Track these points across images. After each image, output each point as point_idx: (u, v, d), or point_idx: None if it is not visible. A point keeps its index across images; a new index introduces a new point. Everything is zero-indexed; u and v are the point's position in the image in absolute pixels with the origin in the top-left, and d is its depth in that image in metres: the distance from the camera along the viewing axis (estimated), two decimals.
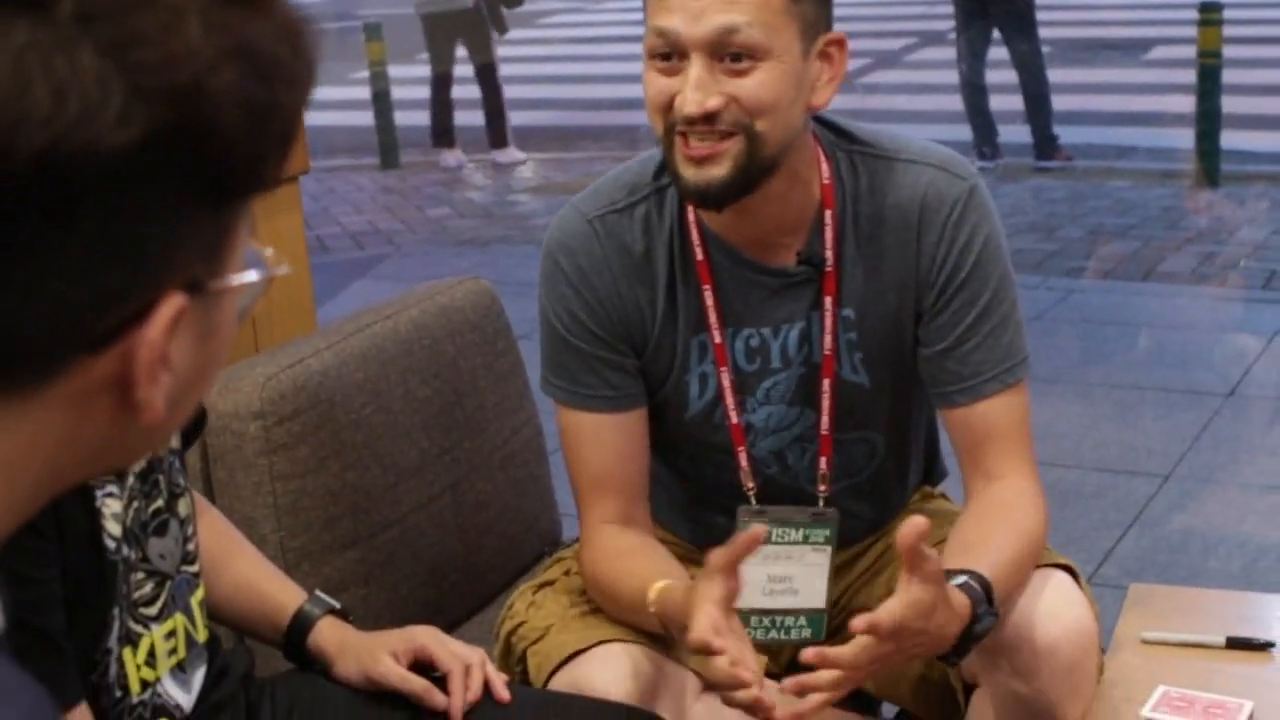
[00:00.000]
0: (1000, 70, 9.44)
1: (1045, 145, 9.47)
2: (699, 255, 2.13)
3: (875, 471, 2.29)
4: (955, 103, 9.64)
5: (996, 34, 9.33)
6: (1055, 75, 9.66)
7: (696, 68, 1.95)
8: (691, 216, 2.13)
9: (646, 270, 2.14)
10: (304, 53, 0.84)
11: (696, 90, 1.94)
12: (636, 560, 2.12)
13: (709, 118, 1.96)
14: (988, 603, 1.92)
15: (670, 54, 1.97)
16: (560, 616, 2.16)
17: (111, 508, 1.62)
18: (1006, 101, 9.59)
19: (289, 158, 0.85)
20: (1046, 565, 2.10)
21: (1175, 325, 6.47)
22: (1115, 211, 8.40)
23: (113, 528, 1.62)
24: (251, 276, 0.87)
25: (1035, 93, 9.35)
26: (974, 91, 9.39)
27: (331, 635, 2.00)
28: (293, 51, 0.83)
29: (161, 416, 0.82)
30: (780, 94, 1.97)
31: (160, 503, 1.73)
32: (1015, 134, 9.59)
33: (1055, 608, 2.04)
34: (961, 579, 1.92)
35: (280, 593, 2.04)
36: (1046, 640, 2.01)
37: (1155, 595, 2.38)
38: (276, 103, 0.81)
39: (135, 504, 1.67)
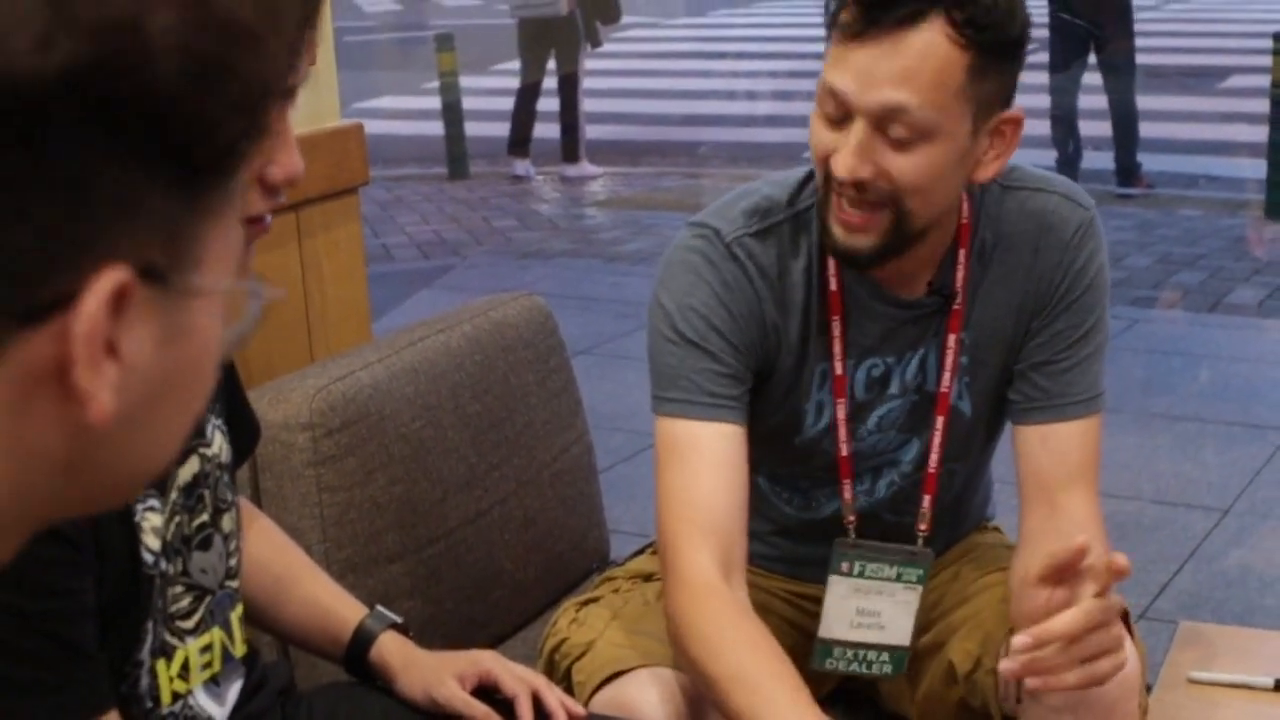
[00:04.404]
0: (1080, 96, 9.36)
1: (1129, 172, 9.40)
2: (833, 285, 2.12)
3: (949, 502, 2.30)
4: (1029, 128, 9.57)
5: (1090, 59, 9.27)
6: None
7: (858, 133, 1.92)
8: None
9: (782, 295, 2.12)
10: (278, 24, 0.78)
11: (852, 156, 1.92)
12: (776, 684, 1.94)
13: (859, 185, 1.95)
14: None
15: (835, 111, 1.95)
16: (601, 633, 2.16)
17: (151, 521, 1.62)
18: (1083, 128, 9.50)
19: (257, 139, 0.78)
20: None
21: (1240, 358, 6.41)
22: (1184, 241, 8.33)
23: (151, 541, 1.63)
24: (231, 287, 0.80)
25: (1126, 119, 9.29)
26: (1067, 116, 9.32)
27: (395, 650, 2.00)
28: (259, 18, 0.76)
29: (110, 413, 0.74)
30: (937, 174, 1.95)
31: (205, 517, 1.74)
32: (1088, 160, 9.51)
33: None
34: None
35: (341, 607, 2.05)
36: None
37: (1205, 634, 2.36)
38: (232, 67, 0.75)
39: (178, 518, 1.68)
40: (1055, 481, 2.13)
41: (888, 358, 2.16)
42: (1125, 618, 2.11)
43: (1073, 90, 9.29)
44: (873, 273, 2.10)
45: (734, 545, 2.05)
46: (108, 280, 0.72)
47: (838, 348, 2.13)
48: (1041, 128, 9.43)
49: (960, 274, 2.13)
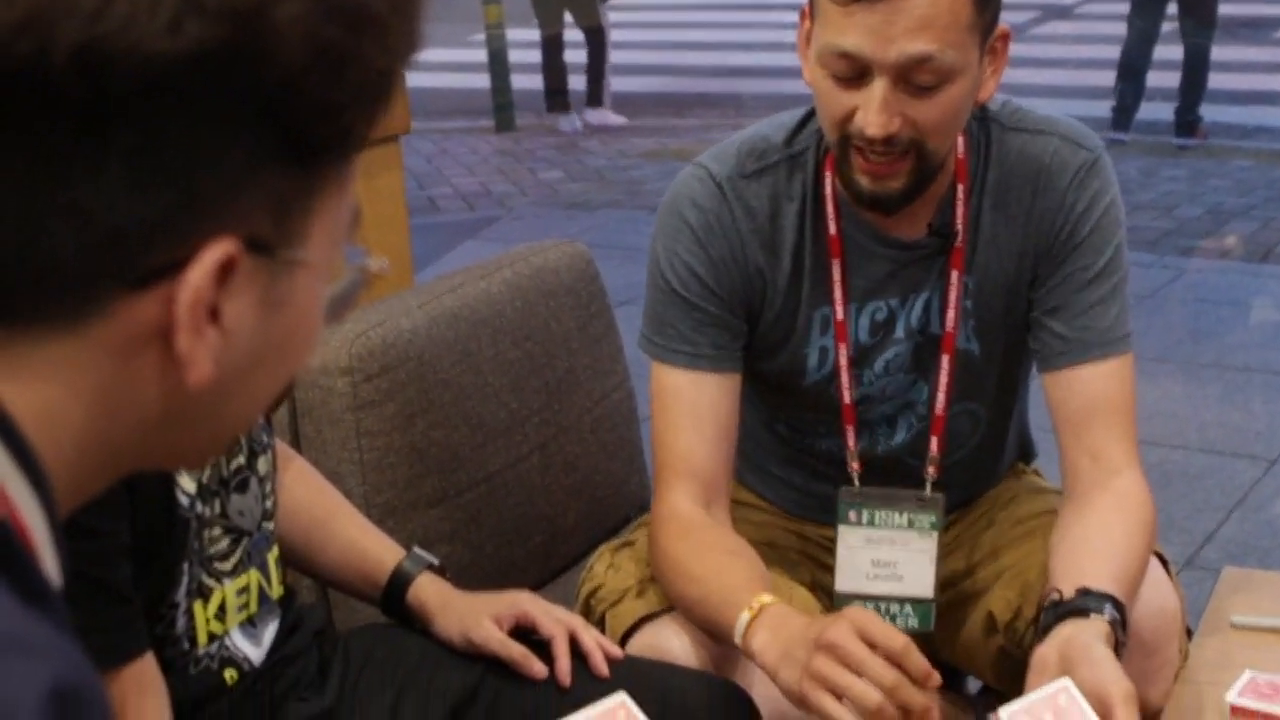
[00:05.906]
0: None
1: (1189, 124, 9.28)
2: (832, 229, 2.11)
3: (976, 446, 2.29)
4: (1079, 78, 9.50)
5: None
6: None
7: (881, 89, 1.91)
8: (829, 189, 2.11)
9: (772, 238, 2.12)
10: (405, 12, 0.79)
11: (880, 114, 1.91)
12: (733, 567, 2.02)
13: (887, 139, 1.94)
14: (1123, 627, 1.90)
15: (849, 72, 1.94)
16: (638, 578, 2.16)
17: None
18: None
19: (375, 121, 0.80)
20: None
21: None
22: (1236, 191, 8.26)
23: (187, 484, 1.64)
24: (335, 259, 0.82)
25: (1198, 71, 9.14)
26: (1138, 66, 9.20)
27: (432, 592, 2.01)
28: (391, 8, 0.78)
29: (208, 377, 0.76)
30: (959, 110, 1.97)
31: (241, 459, 1.75)
32: (1145, 111, 9.40)
33: (1141, 592, 2.01)
34: (1108, 612, 1.88)
35: (378, 549, 2.06)
36: (1129, 623, 1.99)
37: (1249, 579, 2.35)
38: (358, 53, 0.77)
39: (214, 460, 1.69)
40: (1087, 427, 2.11)
41: (891, 300, 2.15)
42: (1162, 561, 2.11)
43: (1150, 41, 9.15)
44: (871, 216, 2.10)
45: (711, 487, 2.12)
46: (215, 251, 0.74)
47: (838, 292, 2.13)
48: (1099, 79, 9.35)
49: (960, 211, 2.12)
